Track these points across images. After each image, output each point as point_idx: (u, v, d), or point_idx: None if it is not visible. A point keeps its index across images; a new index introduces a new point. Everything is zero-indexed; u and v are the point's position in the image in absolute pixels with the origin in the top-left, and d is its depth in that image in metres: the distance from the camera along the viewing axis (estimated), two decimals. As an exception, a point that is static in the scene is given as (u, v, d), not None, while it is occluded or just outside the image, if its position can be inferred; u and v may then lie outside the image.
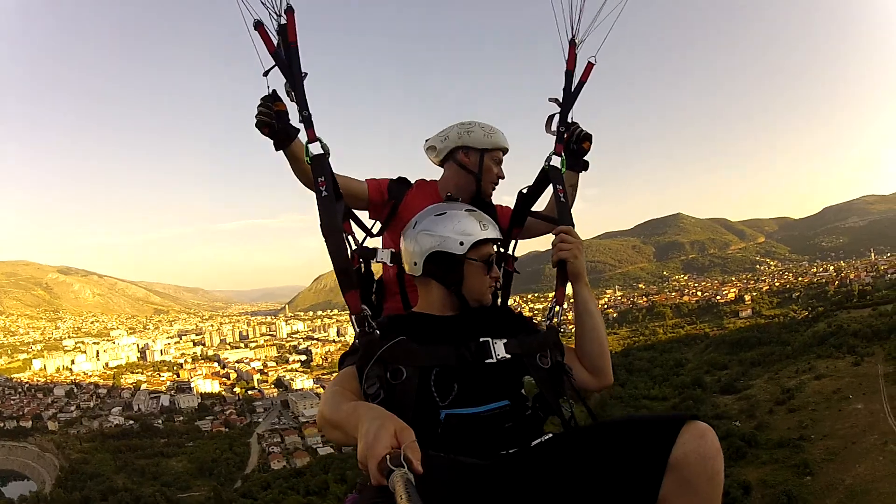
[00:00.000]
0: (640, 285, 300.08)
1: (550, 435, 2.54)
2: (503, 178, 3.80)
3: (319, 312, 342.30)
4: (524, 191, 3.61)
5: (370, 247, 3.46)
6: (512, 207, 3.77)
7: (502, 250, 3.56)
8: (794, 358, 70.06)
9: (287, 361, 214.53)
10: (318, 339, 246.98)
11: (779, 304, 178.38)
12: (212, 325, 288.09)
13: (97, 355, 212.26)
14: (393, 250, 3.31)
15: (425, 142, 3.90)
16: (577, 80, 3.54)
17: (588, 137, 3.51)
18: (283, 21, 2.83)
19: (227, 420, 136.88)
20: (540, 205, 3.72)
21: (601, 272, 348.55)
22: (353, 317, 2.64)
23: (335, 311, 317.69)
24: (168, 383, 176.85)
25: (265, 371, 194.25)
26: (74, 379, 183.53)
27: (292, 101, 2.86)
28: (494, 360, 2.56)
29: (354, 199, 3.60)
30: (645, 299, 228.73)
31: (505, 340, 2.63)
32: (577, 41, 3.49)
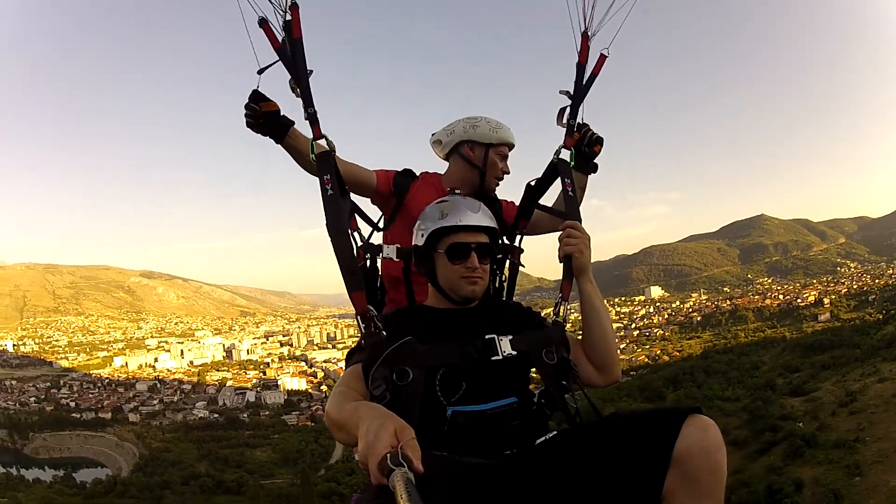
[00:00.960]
0: (725, 288, 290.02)
1: (554, 433, 2.53)
2: (508, 173, 3.85)
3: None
4: (532, 183, 3.62)
5: (375, 243, 3.47)
6: (518, 202, 3.79)
7: (507, 242, 3.68)
8: (862, 361, 68.59)
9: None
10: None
11: (856, 308, 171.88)
12: (299, 327, 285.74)
13: (181, 354, 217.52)
14: (398, 245, 3.34)
15: (431, 136, 3.95)
16: (588, 72, 3.50)
17: (599, 141, 3.56)
18: (287, 17, 2.82)
19: (313, 415, 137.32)
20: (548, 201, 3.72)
21: (687, 276, 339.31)
22: (358, 317, 2.63)
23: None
24: (254, 381, 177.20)
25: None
26: (157, 375, 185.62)
27: (297, 97, 2.88)
28: (501, 357, 2.57)
29: (361, 187, 3.64)
30: (728, 303, 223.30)
31: (511, 337, 2.64)
32: (589, 33, 3.45)
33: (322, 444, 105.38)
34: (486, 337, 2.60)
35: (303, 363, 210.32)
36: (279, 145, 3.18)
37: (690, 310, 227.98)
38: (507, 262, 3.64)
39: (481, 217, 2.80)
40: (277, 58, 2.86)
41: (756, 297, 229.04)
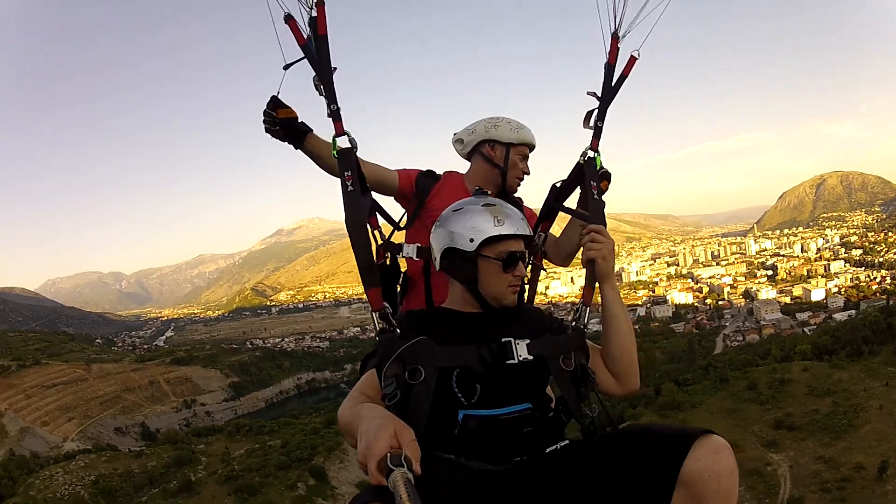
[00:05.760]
0: None
1: (567, 442, 2.49)
2: (528, 174, 3.77)
3: (786, 231, 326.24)
4: (557, 185, 3.51)
5: (397, 242, 3.41)
6: (536, 210, 3.70)
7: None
8: None
9: (755, 276, 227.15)
10: (783, 255, 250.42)
11: None
12: (684, 248, 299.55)
13: (571, 280, 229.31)
14: (419, 245, 3.31)
15: (453, 135, 3.88)
16: (618, 74, 3.31)
17: (606, 176, 3.34)
18: (313, 14, 2.71)
19: (697, 323, 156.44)
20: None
21: None
22: (374, 314, 2.57)
23: (800, 229, 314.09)
24: (644, 298, 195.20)
25: (734, 285, 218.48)
26: (550, 301, 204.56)
27: (321, 94, 2.78)
28: (516, 361, 2.45)
29: (383, 186, 3.58)
30: None
31: (528, 341, 2.52)
32: (619, 34, 3.25)
33: (704, 346, 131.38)
34: (503, 340, 2.48)
35: (689, 280, 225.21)
36: (298, 150, 3.26)
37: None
38: (529, 263, 3.34)
39: (525, 225, 2.71)
40: (303, 54, 2.81)
41: None
